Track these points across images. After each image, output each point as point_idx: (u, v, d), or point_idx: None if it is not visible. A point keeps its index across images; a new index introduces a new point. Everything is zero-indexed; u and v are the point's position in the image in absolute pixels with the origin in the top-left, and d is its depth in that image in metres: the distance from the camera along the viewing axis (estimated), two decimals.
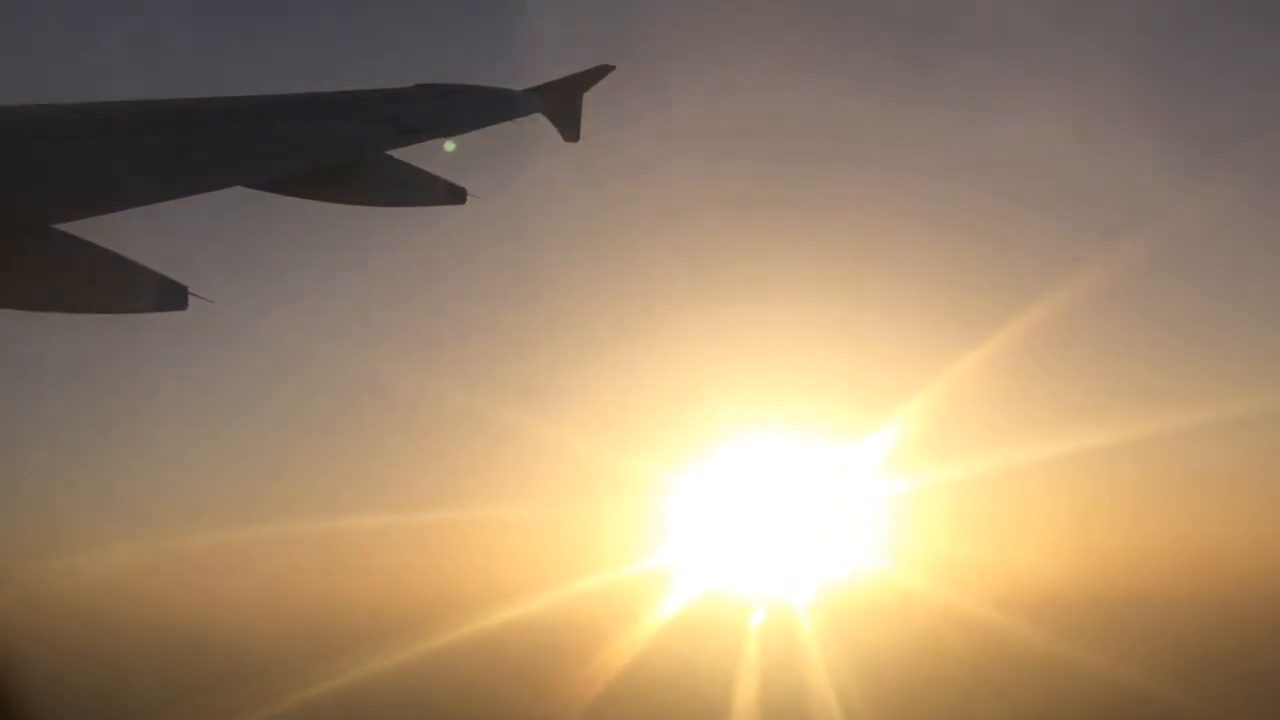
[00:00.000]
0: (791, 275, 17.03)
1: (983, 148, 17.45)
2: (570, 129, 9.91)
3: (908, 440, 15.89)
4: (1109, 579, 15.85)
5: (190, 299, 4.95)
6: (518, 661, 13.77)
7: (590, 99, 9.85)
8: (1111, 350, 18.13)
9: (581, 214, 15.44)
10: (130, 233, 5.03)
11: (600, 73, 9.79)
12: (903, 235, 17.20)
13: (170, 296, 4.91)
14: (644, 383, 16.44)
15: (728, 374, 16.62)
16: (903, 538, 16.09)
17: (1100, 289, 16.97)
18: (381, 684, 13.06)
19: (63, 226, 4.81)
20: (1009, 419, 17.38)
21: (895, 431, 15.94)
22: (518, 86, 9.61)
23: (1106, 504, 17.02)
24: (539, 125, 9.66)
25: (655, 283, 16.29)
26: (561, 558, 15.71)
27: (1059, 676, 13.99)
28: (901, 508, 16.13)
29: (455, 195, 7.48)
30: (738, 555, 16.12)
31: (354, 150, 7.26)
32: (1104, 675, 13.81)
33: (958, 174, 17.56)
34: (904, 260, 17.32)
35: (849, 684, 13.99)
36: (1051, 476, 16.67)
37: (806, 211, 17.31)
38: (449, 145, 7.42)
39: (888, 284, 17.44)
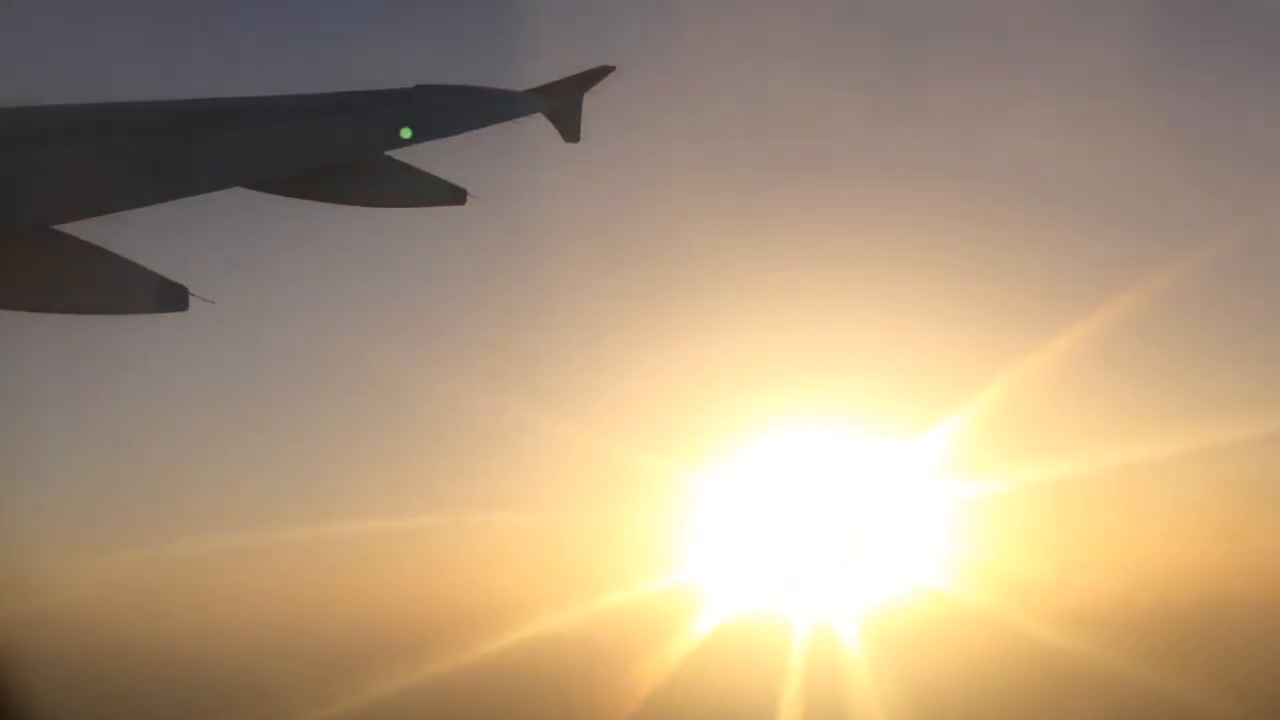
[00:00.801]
0: (831, 267, 16.25)
1: (1048, 141, 16.93)
2: (570, 129, 9.93)
3: (969, 441, 14.68)
4: (1194, 594, 14.59)
5: (191, 300, 4.95)
6: (531, 687, 12.96)
7: (591, 99, 9.87)
8: (1197, 352, 17.15)
9: (583, 214, 15.40)
10: (130, 234, 5.03)
11: (601, 73, 9.80)
12: (966, 223, 16.46)
13: (171, 297, 4.91)
14: (670, 381, 15.77)
15: (764, 369, 15.70)
16: (965, 550, 14.75)
17: (1187, 288, 16.09)
18: (385, 706, 12.69)
19: (63, 227, 4.81)
20: (1084, 420, 16.34)
21: (955, 431, 14.67)
22: (518, 87, 9.62)
23: (1191, 513, 15.90)
24: (539, 126, 9.68)
25: (667, 279, 16.05)
26: (580, 568, 14.65)
27: (1136, 705, 12.86)
28: (963, 516, 14.81)
29: (455, 196, 7.49)
30: (776, 568, 14.79)
31: (353, 151, 7.27)
32: (1190, 704, 12.78)
33: (1014, 168, 16.94)
34: (969, 247, 16.48)
35: (903, 715, 13.08)
36: (1132, 483, 15.34)
37: (827, 207, 16.80)
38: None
39: (948, 272, 16.54)
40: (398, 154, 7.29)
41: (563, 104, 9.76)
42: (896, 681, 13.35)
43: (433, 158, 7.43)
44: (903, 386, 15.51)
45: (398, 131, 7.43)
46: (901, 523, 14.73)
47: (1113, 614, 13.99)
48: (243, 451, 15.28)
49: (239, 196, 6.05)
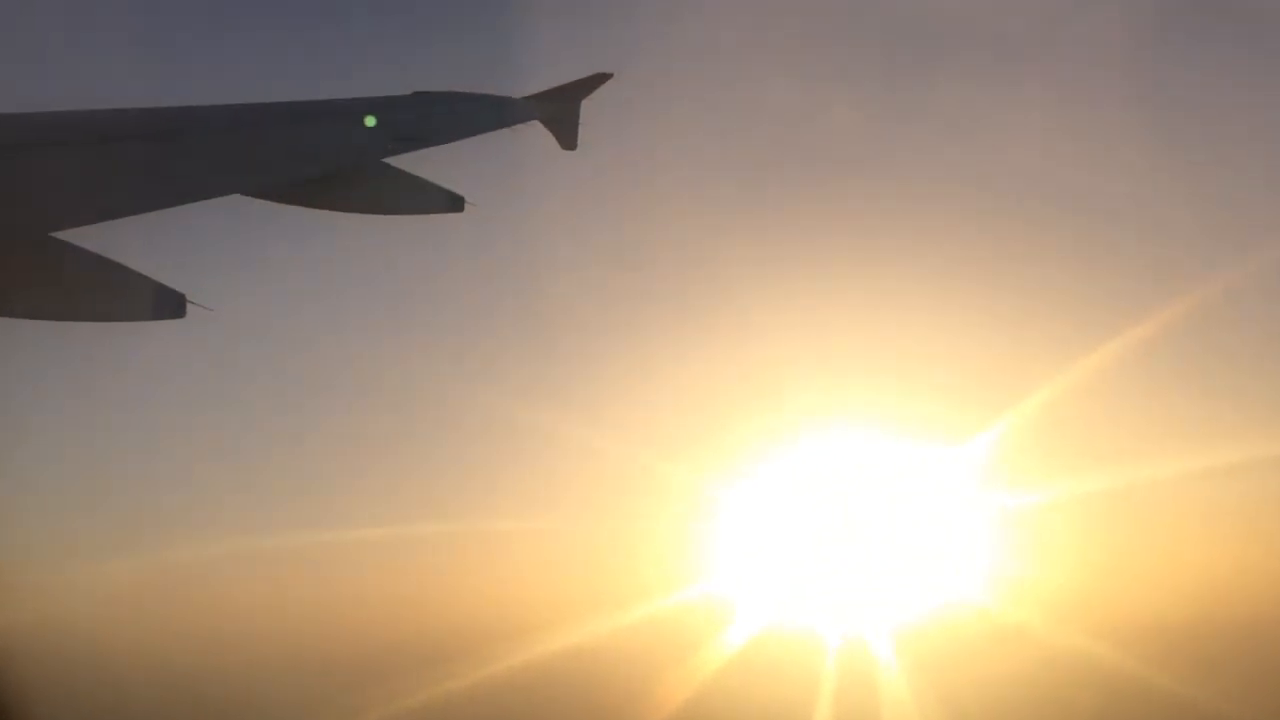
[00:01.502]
0: (852, 272, 15.73)
1: (1093, 143, 16.35)
2: (568, 137, 9.94)
3: (1010, 451, 14.04)
4: (1241, 608, 14.06)
5: (189, 307, 4.95)
6: (554, 702, 12.60)
7: (588, 106, 9.88)
8: (1247, 359, 16.25)
9: (581, 221, 15.39)
10: (128, 241, 5.03)
11: (598, 80, 9.82)
12: (1000, 228, 15.80)
13: (168, 304, 4.91)
14: (693, 387, 15.34)
15: (790, 376, 14.88)
16: (1004, 562, 14.15)
17: (1238, 295, 15.22)
18: None
19: (61, 234, 4.81)
20: (1130, 429, 15.55)
21: (996, 441, 14.06)
22: (516, 94, 9.64)
23: (1240, 526, 15.02)
24: (537, 133, 9.70)
25: (667, 285, 15.91)
26: (601, 579, 14.12)
27: None
28: (1003, 527, 14.22)
29: (454, 203, 7.50)
30: (809, 579, 14.24)
31: (351, 158, 7.28)
32: None
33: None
34: (1010, 251, 15.80)
35: None
36: (1180, 494, 14.77)
37: (844, 212, 16.44)
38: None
39: (989, 277, 15.72)
40: (395, 161, 7.30)
41: (560, 111, 9.78)
42: (933, 697, 12.94)
43: (430, 165, 7.44)
44: (942, 395, 14.92)
45: (396, 139, 7.44)
46: (939, 533, 14.23)
47: (1159, 628, 13.52)
48: (240, 459, 15.26)
49: (237, 203, 6.05)
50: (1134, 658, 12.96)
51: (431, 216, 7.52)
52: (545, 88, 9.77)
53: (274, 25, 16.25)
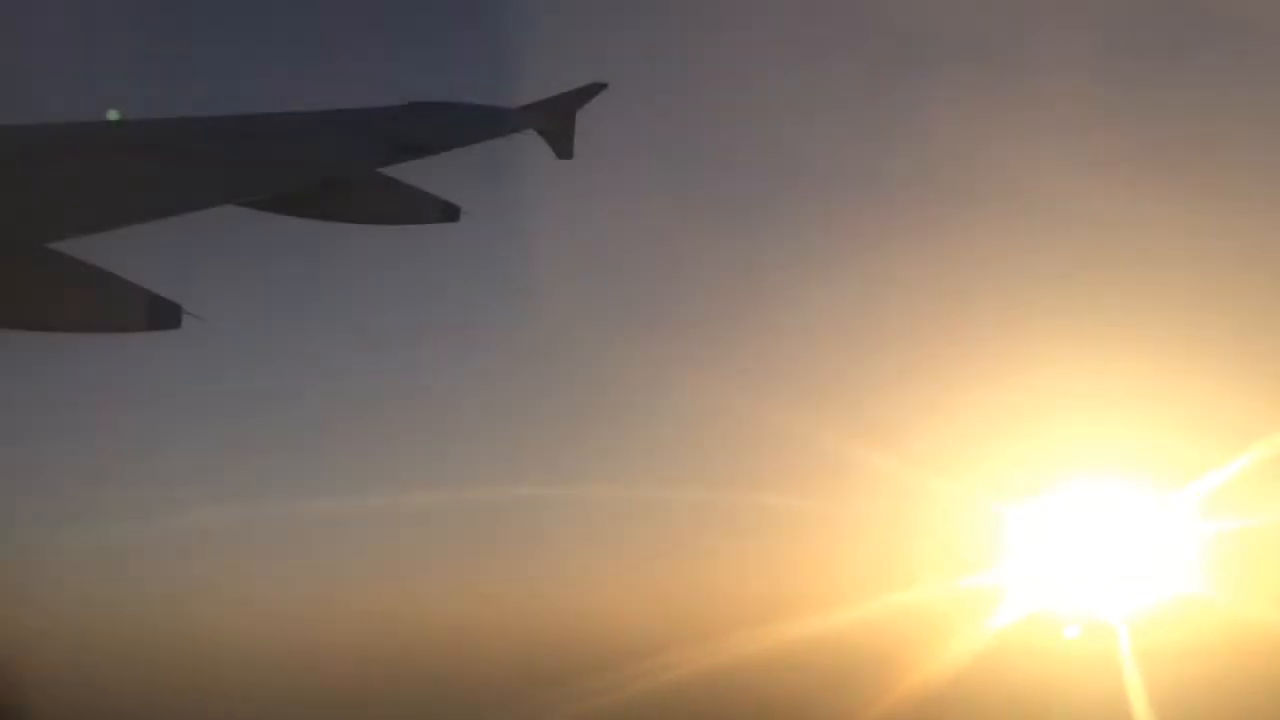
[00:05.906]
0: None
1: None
2: (563, 146, 9.94)
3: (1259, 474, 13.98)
4: None
5: (184, 318, 4.94)
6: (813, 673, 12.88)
7: (583, 116, 9.89)
8: None
9: (576, 230, 15.43)
10: (123, 251, 5.02)
11: (593, 91, 9.83)
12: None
13: (164, 315, 4.90)
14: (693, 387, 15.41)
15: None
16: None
17: None
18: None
19: (55, 245, 4.81)
20: None
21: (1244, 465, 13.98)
22: (511, 104, 9.66)
23: None
24: (532, 143, 9.70)
25: (663, 290, 15.95)
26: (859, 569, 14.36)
27: None
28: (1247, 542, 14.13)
29: (449, 213, 7.50)
30: (1060, 574, 14.55)
31: (346, 168, 7.28)
32: None
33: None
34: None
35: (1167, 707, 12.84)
36: None
37: (849, 216, 16.29)
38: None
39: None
40: (390, 171, 7.30)
41: (555, 121, 9.79)
42: (1167, 679, 13.07)
43: (425, 174, 7.44)
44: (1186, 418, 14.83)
45: (391, 148, 7.45)
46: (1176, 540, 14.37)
47: None
48: (238, 465, 15.28)
49: (231, 214, 6.05)
50: None
51: (426, 226, 7.52)
52: (540, 98, 9.78)
53: (269, 35, 16.29)
